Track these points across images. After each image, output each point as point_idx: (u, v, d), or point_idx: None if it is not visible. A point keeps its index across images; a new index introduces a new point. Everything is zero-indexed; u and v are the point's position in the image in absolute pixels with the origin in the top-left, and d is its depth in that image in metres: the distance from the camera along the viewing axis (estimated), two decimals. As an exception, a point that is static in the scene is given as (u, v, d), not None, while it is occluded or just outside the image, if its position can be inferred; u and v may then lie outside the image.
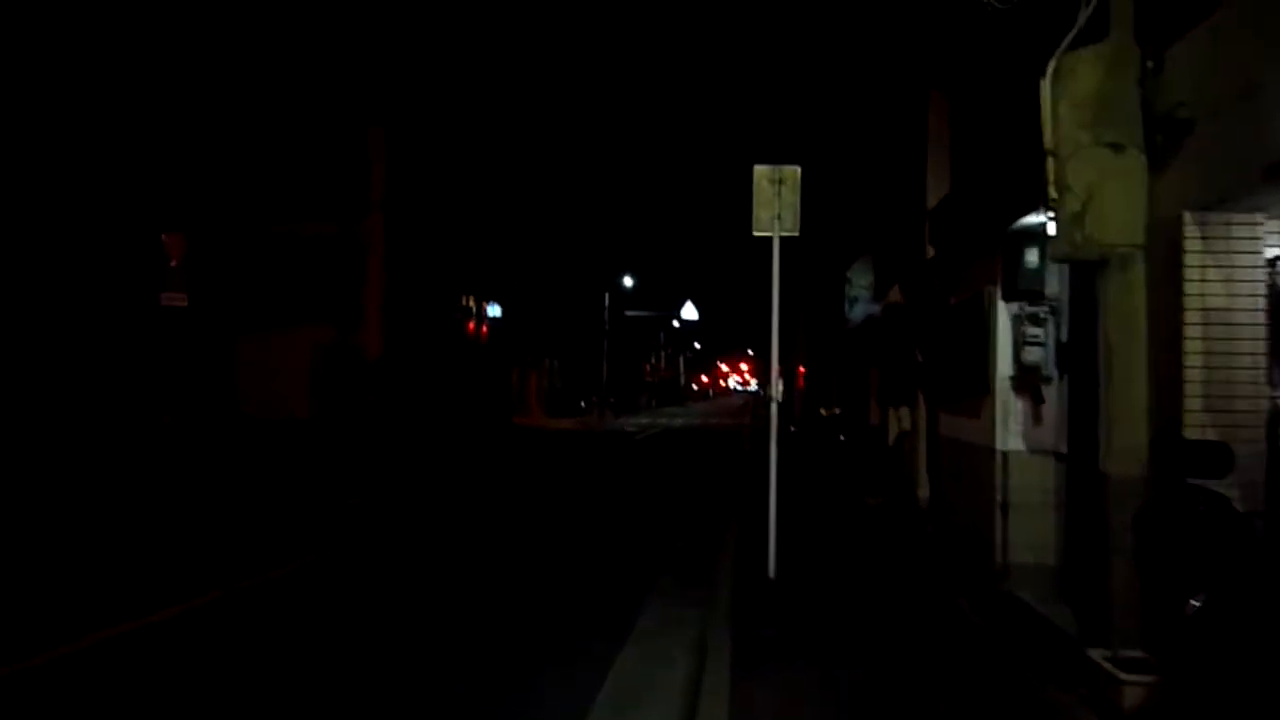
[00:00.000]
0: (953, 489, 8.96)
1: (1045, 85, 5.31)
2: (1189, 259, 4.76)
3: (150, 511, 11.77)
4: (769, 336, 8.67)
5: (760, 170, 8.19)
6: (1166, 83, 4.97)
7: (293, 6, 23.10)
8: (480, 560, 9.29)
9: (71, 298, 18.59)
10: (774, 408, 8.33)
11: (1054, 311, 7.08)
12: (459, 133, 30.19)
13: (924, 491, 11.09)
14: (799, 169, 8.18)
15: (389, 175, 25.60)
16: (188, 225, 18.81)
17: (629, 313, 55.50)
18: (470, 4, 28.37)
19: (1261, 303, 4.78)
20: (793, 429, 26.88)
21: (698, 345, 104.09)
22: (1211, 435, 4.67)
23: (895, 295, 12.09)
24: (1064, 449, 6.94)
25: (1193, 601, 4.24)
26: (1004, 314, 7.33)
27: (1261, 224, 4.79)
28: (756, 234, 8.20)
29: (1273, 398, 4.79)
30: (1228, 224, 4.76)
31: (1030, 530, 7.06)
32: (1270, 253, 4.83)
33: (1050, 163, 5.28)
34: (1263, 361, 4.77)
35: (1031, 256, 7.02)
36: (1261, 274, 4.79)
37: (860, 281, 16.35)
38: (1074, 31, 5.31)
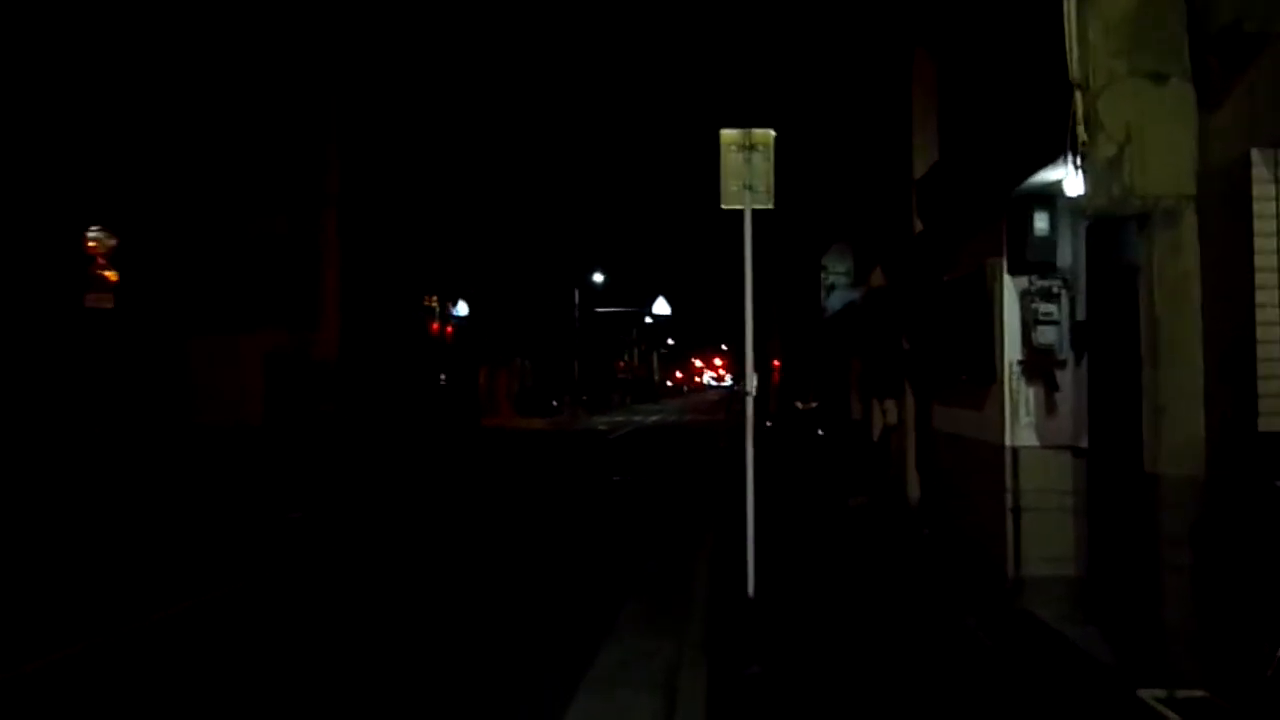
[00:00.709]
0: (951, 490, 8.04)
1: (1069, 4, 4.38)
2: (1260, 207, 3.85)
3: (39, 540, 10.52)
4: (743, 325, 7.72)
5: (728, 135, 7.20)
6: (1222, -8, 4.05)
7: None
8: (420, 586, 8.22)
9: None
10: (749, 403, 7.34)
11: (1067, 285, 6.17)
12: (420, 125, 29.00)
13: (914, 491, 10.18)
14: (773, 133, 7.21)
15: (345, 168, 24.35)
16: (121, 222, 17.46)
17: (600, 309, 54.44)
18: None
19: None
20: (768, 424, 26.06)
21: (671, 341, 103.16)
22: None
23: (878, 278, 11.17)
24: (1084, 443, 6.03)
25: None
26: (1011, 290, 6.40)
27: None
28: (725, 207, 7.24)
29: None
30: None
31: (1046, 538, 6.14)
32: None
33: (1078, 98, 4.36)
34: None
35: (1041, 222, 6.11)
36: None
37: (837, 268, 15.48)
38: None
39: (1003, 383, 6.41)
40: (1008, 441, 6.33)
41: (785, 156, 7.36)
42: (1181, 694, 4.07)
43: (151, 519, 11.83)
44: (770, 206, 7.17)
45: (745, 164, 7.16)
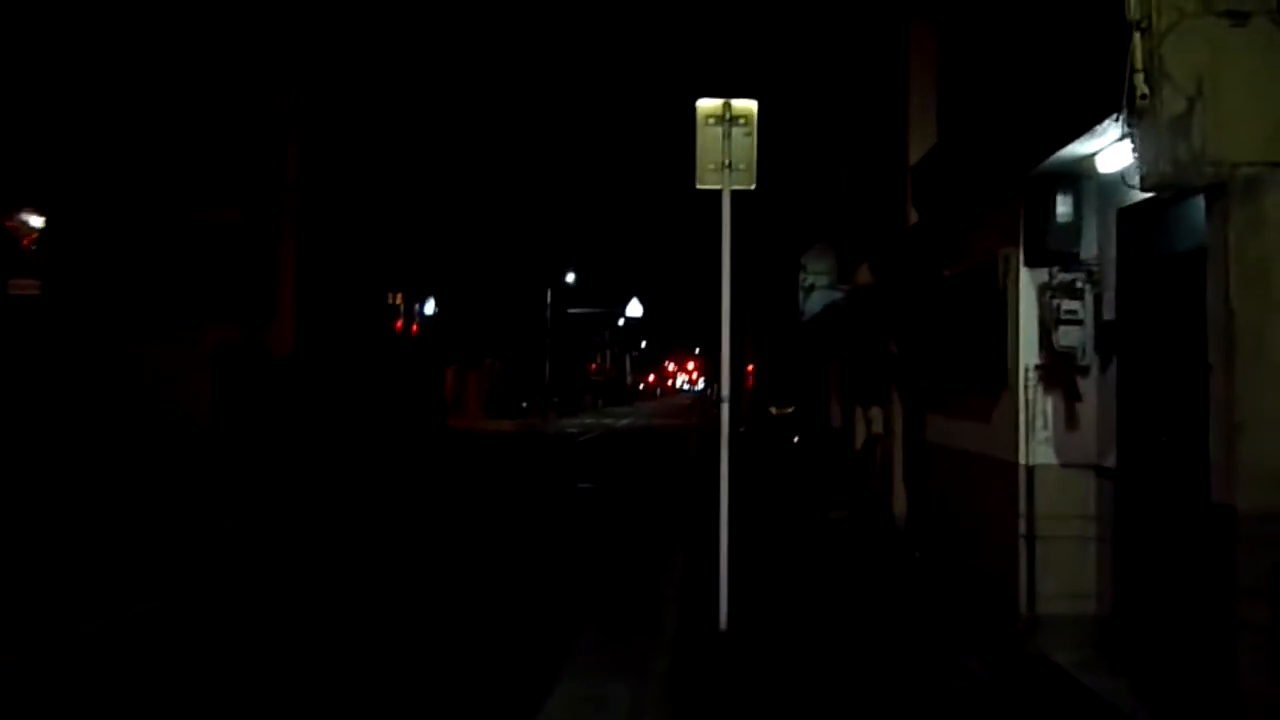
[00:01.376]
0: (947, 509, 7.23)
1: (1129, -75, 3.57)
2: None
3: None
4: (718, 326, 6.88)
5: (705, 105, 6.39)
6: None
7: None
8: (347, 612, 7.22)
9: None
10: (724, 409, 6.48)
11: (1093, 279, 5.37)
12: (387, 114, 27.90)
13: (900, 506, 9.38)
14: (755, 104, 6.40)
15: (304, 155, 23.19)
16: (54, 205, 16.26)
17: (572, 310, 53.44)
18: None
19: None
20: (741, 429, 25.29)
21: (644, 344, 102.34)
22: None
23: (864, 276, 10.35)
24: (1110, 462, 5.23)
25: None
26: (1027, 284, 5.60)
27: None
28: (700, 187, 6.40)
29: None
30: None
31: (1065, 570, 5.34)
32: None
33: (1137, 41, 3.54)
34: None
35: (1064, 206, 5.31)
36: None
37: (818, 268, 14.68)
38: None
39: (1016, 391, 5.60)
40: (1021, 459, 5.51)
41: (763, 147, 6.54)
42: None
43: (66, 530, 10.77)
44: (752, 187, 6.36)
45: (724, 138, 6.34)
